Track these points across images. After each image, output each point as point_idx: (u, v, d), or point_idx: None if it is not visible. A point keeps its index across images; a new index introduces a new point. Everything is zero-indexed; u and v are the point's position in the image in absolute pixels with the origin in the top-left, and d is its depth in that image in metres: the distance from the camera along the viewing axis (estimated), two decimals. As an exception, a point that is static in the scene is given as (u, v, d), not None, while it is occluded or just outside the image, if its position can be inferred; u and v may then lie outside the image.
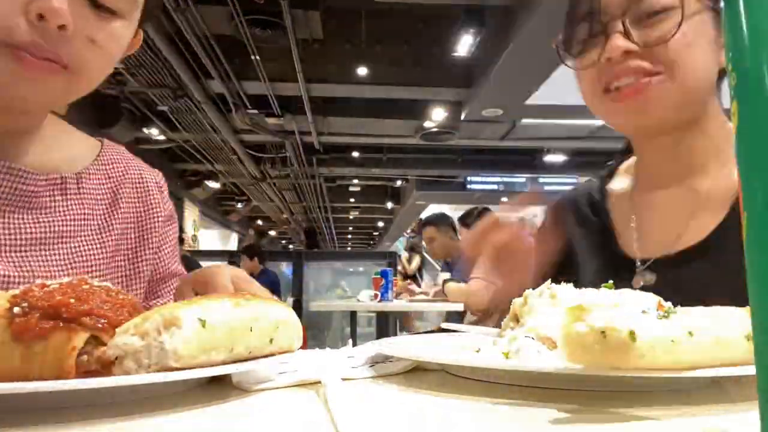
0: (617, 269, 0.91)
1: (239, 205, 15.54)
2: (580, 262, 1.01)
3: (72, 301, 0.46)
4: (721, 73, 0.87)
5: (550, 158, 11.47)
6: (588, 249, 1.01)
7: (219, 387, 0.53)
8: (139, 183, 0.95)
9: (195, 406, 0.46)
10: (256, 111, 8.46)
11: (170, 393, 0.50)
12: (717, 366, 0.47)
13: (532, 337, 0.59)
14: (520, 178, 12.91)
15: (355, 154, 11.83)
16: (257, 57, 6.67)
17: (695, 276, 0.83)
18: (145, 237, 0.93)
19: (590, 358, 0.47)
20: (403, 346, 0.67)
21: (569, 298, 0.61)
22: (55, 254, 0.80)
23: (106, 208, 0.89)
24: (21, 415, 0.41)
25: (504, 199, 12.36)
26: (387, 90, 7.78)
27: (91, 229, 0.85)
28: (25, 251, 0.76)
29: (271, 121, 8.82)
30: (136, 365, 0.45)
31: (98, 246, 0.86)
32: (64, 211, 0.82)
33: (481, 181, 13.03)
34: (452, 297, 3.91)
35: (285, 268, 7.75)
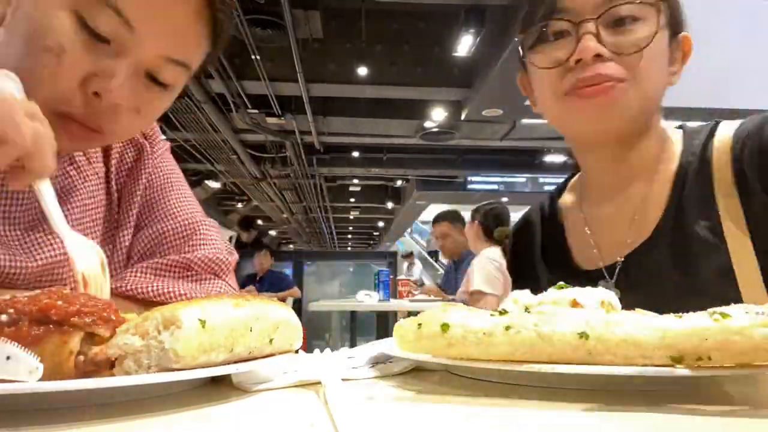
0: (577, 281, 0.92)
1: (239, 205, 15.54)
2: (540, 277, 1.03)
3: (59, 303, 0.45)
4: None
5: (550, 158, 11.47)
6: (546, 264, 1.04)
7: (219, 387, 0.53)
8: (127, 141, 0.92)
9: (195, 406, 0.46)
10: (256, 111, 8.46)
11: (170, 393, 0.50)
12: (544, 361, 0.50)
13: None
14: (521, 178, 12.91)
15: (356, 153, 11.82)
16: (257, 56, 6.66)
17: (644, 274, 0.87)
18: (130, 193, 0.89)
19: (408, 346, 0.56)
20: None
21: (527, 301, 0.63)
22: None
23: (102, 173, 0.88)
24: (21, 416, 0.41)
25: (504, 199, 12.41)
26: (387, 90, 7.77)
27: (87, 197, 0.84)
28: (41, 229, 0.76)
29: (271, 120, 8.81)
30: (136, 366, 0.44)
31: (94, 209, 0.85)
32: (82, 180, 0.83)
33: (481, 181, 13.03)
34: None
35: (285, 268, 7.76)
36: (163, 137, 0.98)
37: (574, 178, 1.10)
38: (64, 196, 0.80)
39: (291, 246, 24.07)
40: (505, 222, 3.85)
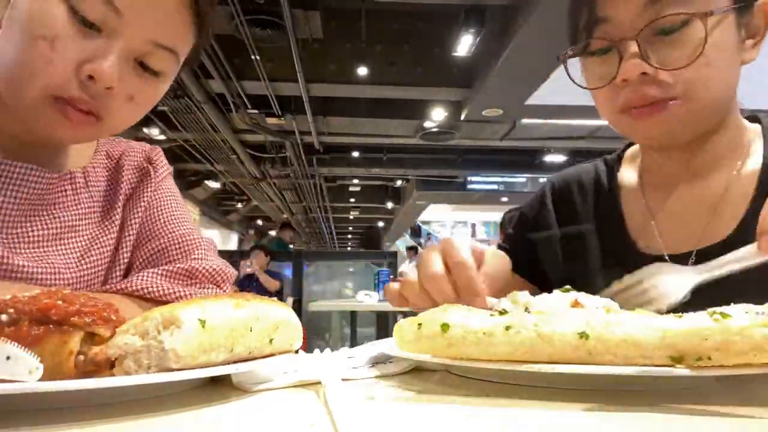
0: (636, 263, 0.84)
1: (239, 205, 15.54)
2: (587, 251, 0.97)
3: (59, 303, 0.45)
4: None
5: (550, 158, 11.47)
6: (598, 240, 0.97)
7: (219, 387, 0.53)
8: (134, 165, 0.97)
9: (195, 406, 0.46)
10: (256, 111, 8.46)
11: (170, 393, 0.50)
12: (544, 361, 0.50)
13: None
14: (521, 178, 12.92)
15: (355, 153, 11.83)
16: (257, 57, 6.66)
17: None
18: (131, 214, 0.93)
19: (408, 346, 0.56)
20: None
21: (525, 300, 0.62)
22: (69, 246, 0.84)
23: (110, 197, 0.93)
24: (21, 416, 0.41)
25: (504, 199, 12.40)
26: (387, 90, 7.77)
27: (97, 219, 0.89)
28: (43, 246, 0.81)
29: (271, 120, 8.81)
30: (136, 366, 0.44)
31: (105, 235, 0.89)
32: (75, 204, 0.87)
33: (481, 181, 13.04)
34: None
35: (285, 268, 7.76)
36: (166, 165, 1.02)
37: (631, 150, 1.04)
38: (50, 207, 0.83)
39: (291, 246, 24.03)
40: None
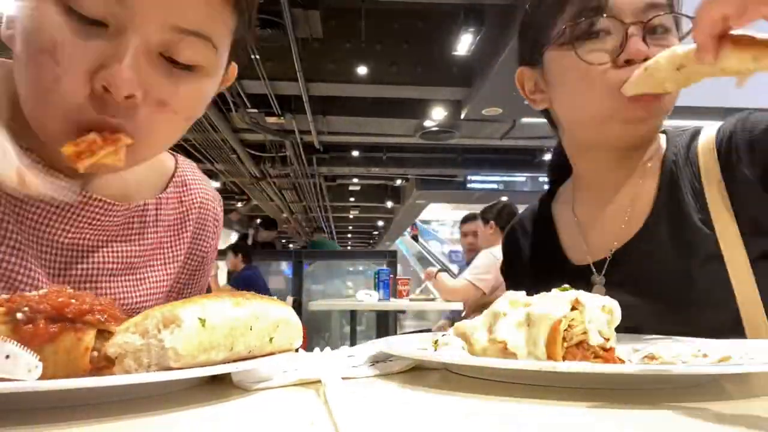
0: (572, 278, 0.93)
1: (239, 204, 15.54)
2: (535, 277, 1.05)
3: (73, 301, 0.46)
4: None
5: (549, 157, 11.46)
6: (540, 263, 1.06)
7: (219, 386, 0.53)
8: (204, 210, 0.91)
9: (195, 405, 0.46)
10: (255, 110, 8.45)
11: (170, 392, 0.50)
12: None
13: (448, 333, 0.63)
14: (521, 177, 12.91)
15: (355, 153, 11.82)
16: (257, 56, 6.66)
17: (635, 266, 0.89)
18: (193, 267, 0.92)
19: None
20: (403, 345, 0.67)
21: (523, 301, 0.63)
22: (123, 282, 0.78)
23: (175, 235, 0.86)
24: (21, 415, 0.41)
25: (504, 198, 12.40)
26: (387, 89, 7.77)
27: (159, 257, 0.84)
28: (95, 281, 0.75)
29: (270, 120, 8.81)
30: (137, 364, 0.44)
31: (164, 276, 0.84)
32: (139, 240, 0.80)
33: (481, 180, 13.03)
34: (436, 286, 4.07)
35: (285, 268, 7.75)
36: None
37: (563, 186, 1.13)
38: (112, 243, 0.77)
39: (291, 245, 24.06)
40: None
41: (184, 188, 0.87)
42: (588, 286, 0.91)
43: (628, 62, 0.83)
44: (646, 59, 0.82)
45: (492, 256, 3.70)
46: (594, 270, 0.94)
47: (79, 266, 0.74)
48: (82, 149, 0.58)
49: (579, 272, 0.95)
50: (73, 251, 0.73)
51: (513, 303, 0.61)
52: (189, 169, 0.90)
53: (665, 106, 0.87)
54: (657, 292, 0.85)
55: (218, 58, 0.65)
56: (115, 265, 0.77)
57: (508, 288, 1.19)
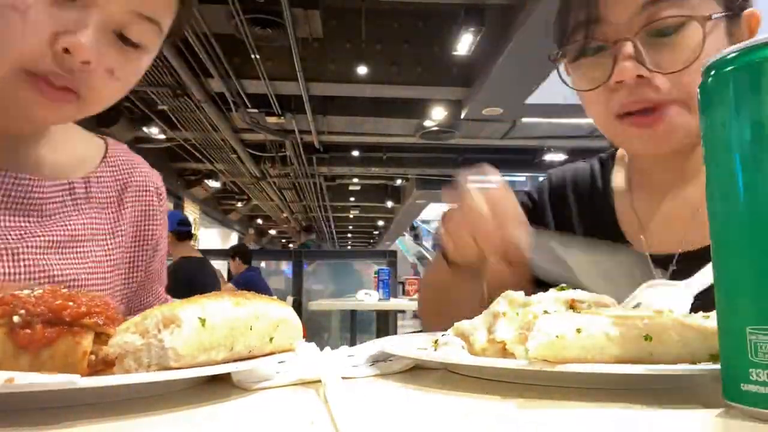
0: (630, 263, 0.86)
1: (239, 204, 15.54)
2: (587, 244, 0.95)
3: (70, 303, 0.45)
4: None
5: (550, 157, 11.46)
6: (592, 232, 0.96)
7: (219, 386, 0.53)
8: (141, 186, 0.95)
9: (195, 405, 0.46)
10: (256, 110, 8.45)
11: (170, 392, 0.50)
12: (609, 362, 0.50)
13: (447, 334, 0.63)
14: (521, 177, 12.91)
15: (355, 153, 11.82)
16: (257, 56, 6.66)
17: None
18: (141, 243, 0.93)
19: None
20: (403, 345, 0.67)
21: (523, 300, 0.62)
22: (70, 256, 0.80)
23: (113, 212, 0.89)
24: (21, 415, 0.41)
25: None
26: (387, 89, 7.77)
27: (99, 235, 0.86)
28: (42, 254, 0.77)
29: (271, 120, 8.81)
30: (137, 364, 0.45)
31: (106, 251, 0.86)
32: (75, 215, 0.83)
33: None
34: None
35: (285, 268, 7.75)
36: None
37: (618, 157, 1.03)
38: (55, 222, 0.80)
39: (291, 245, 24.06)
40: None
41: (116, 168, 0.92)
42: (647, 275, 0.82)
43: (620, 83, 0.77)
44: (640, 76, 0.75)
45: None
46: (659, 262, 0.85)
47: (23, 242, 0.75)
48: None
49: (639, 258, 0.86)
50: (9, 229, 0.76)
51: (512, 303, 0.61)
52: (120, 150, 0.96)
53: (676, 125, 0.77)
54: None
55: (160, 39, 0.77)
56: (57, 237, 0.79)
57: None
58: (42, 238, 0.77)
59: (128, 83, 0.77)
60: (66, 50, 0.66)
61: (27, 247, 0.76)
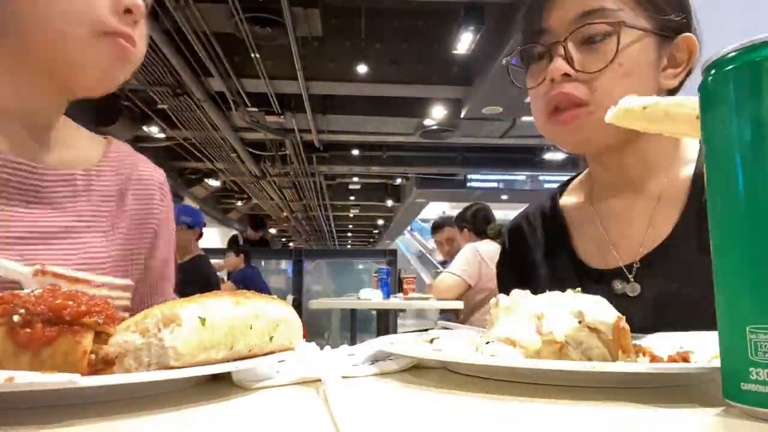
0: (582, 280, 0.93)
1: (239, 203, 15.54)
2: (542, 278, 1.02)
3: (70, 303, 0.45)
4: (672, 92, 0.90)
5: (549, 156, 11.47)
6: (550, 266, 1.02)
7: (219, 385, 0.53)
8: (144, 182, 0.96)
9: (195, 404, 0.46)
10: (256, 109, 8.45)
11: (170, 391, 0.50)
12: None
13: (492, 341, 0.59)
14: (520, 176, 12.93)
15: (355, 151, 11.83)
16: (257, 55, 6.66)
17: (667, 275, 0.86)
18: (140, 237, 0.94)
19: None
20: (403, 344, 0.67)
21: (527, 304, 0.61)
22: (62, 248, 0.81)
23: (114, 207, 0.90)
24: (20, 414, 0.42)
25: (504, 197, 12.41)
26: (387, 88, 7.78)
27: (98, 227, 0.87)
28: (33, 243, 0.78)
29: (270, 119, 8.81)
30: (137, 363, 0.45)
31: (105, 244, 0.87)
32: (72, 207, 0.84)
33: (481, 179, 13.05)
34: (430, 290, 4.16)
35: (285, 266, 7.76)
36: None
37: (578, 178, 1.10)
38: (54, 211, 0.82)
39: (291, 244, 24.08)
40: (493, 218, 3.98)
41: (118, 163, 0.94)
42: (608, 293, 0.86)
43: (552, 81, 0.86)
44: (566, 75, 0.85)
45: (474, 248, 3.75)
46: (625, 272, 0.90)
47: (12, 229, 0.76)
48: None
49: (599, 275, 0.92)
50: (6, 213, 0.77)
51: (551, 304, 0.60)
52: (123, 147, 0.99)
53: (585, 124, 0.86)
54: (691, 293, 0.80)
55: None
56: (51, 228, 0.81)
57: (500, 285, 1.15)
58: (36, 227, 0.78)
59: (146, 44, 0.86)
60: (128, 10, 0.78)
61: (20, 233, 0.76)
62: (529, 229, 1.10)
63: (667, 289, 0.85)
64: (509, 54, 0.96)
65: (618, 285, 0.90)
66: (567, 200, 1.08)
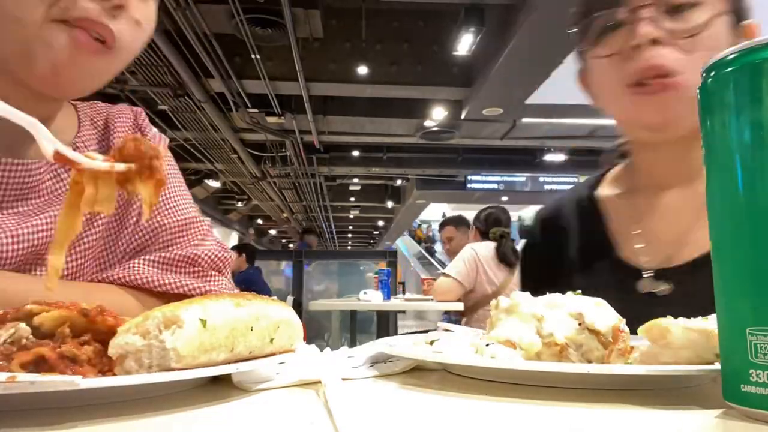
0: (619, 277, 0.88)
1: (239, 204, 15.54)
2: (575, 272, 0.97)
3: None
4: None
5: (550, 157, 11.47)
6: (583, 258, 0.97)
7: (219, 387, 0.54)
8: (124, 131, 0.91)
9: (195, 406, 0.46)
10: (256, 110, 8.46)
11: (171, 393, 0.50)
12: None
13: (492, 343, 0.59)
14: (521, 177, 12.93)
15: (356, 153, 11.83)
16: (257, 56, 6.66)
17: (708, 285, 0.82)
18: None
19: None
20: (403, 346, 0.67)
21: (527, 306, 0.61)
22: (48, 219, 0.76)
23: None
24: (21, 416, 0.42)
25: (504, 198, 12.42)
26: (387, 89, 7.78)
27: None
28: (43, 235, 0.75)
29: (271, 120, 8.81)
30: (137, 365, 0.45)
31: (98, 217, 0.83)
32: (62, 190, 0.80)
33: (481, 180, 13.05)
34: (430, 291, 4.19)
35: (285, 268, 7.75)
36: (156, 130, 0.97)
37: (613, 172, 1.04)
38: (53, 201, 0.78)
39: (291, 245, 24.06)
40: (503, 224, 3.97)
41: (92, 123, 0.88)
42: (645, 292, 0.84)
43: (637, 48, 0.79)
44: (655, 41, 0.78)
45: (471, 249, 3.76)
46: (659, 273, 0.85)
47: (22, 225, 0.73)
48: None
49: (637, 275, 0.87)
50: (9, 215, 0.73)
51: (551, 305, 0.60)
52: (88, 107, 0.91)
53: (682, 91, 0.78)
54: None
55: None
56: (47, 225, 0.76)
57: (524, 279, 1.09)
58: (40, 218, 0.75)
59: (148, 33, 0.77)
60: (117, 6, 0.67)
61: (27, 227, 0.73)
62: (563, 219, 1.03)
63: (708, 294, 0.82)
64: (588, 21, 0.86)
65: (656, 284, 0.85)
66: (605, 192, 1.01)
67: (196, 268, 0.85)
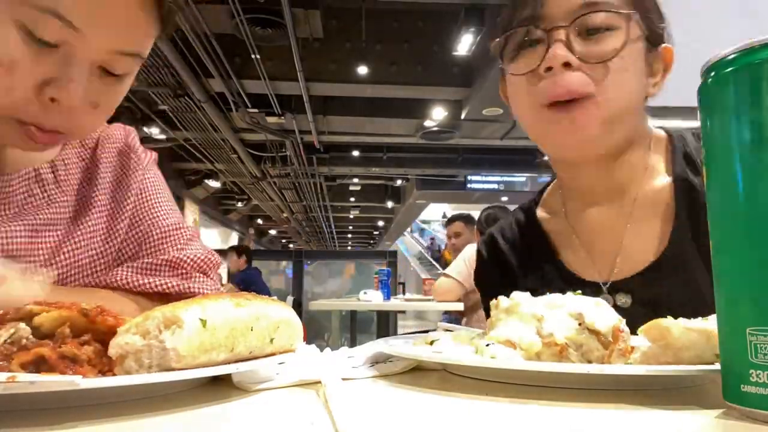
0: (573, 288, 0.89)
1: (239, 204, 15.55)
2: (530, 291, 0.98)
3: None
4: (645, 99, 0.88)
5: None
6: (533, 277, 0.97)
7: (219, 387, 0.54)
8: (114, 152, 0.93)
9: (195, 406, 0.47)
10: (256, 110, 8.46)
11: (171, 393, 0.50)
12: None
13: (492, 343, 0.59)
14: (520, 178, 12.94)
15: (356, 153, 11.83)
16: (257, 56, 6.66)
17: (666, 290, 0.83)
18: (117, 213, 0.90)
19: None
20: (403, 346, 0.67)
21: (527, 306, 0.61)
22: (46, 240, 0.80)
23: (85, 189, 0.88)
24: (21, 416, 0.42)
25: (504, 199, 12.43)
26: (387, 89, 7.78)
27: (72, 214, 0.85)
28: (28, 253, 0.77)
29: (271, 120, 8.82)
30: (137, 365, 0.45)
31: (85, 226, 0.85)
32: (46, 204, 0.82)
33: (481, 180, 13.06)
34: (431, 292, 4.19)
35: (285, 268, 7.76)
36: (146, 150, 0.99)
37: (548, 189, 1.06)
38: (23, 213, 0.79)
39: (291, 245, 24.07)
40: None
41: (83, 148, 0.91)
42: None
43: (549, 69, 0.80)
44: (567, 64, 0.79)
45: (473, 249, 3.78)
46: (604, 289, 0.87)
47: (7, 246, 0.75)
48: None
49: (585, 285, 0.88)
50: None
51: (551, 306, 0.60)
52: None
53: (591, 113, 0.80)
54: (683, 312, 0.78)
55: (140, 63, 0.77)
56: (30, 227, 0.79)
57: (483, 296, 1.10)
58: (16, 236, 0.76)
59: (110, 111, 0.78)
60: (53, 99, 0.68)
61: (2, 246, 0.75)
62: (505, 242, 1.04)
63: (663, 300, 0.82)
64: (505, 37, 0.87)
65: (615, 297, 0.86)
66: (543, 214, 1.03)
67: (179, 271, 0.86)
